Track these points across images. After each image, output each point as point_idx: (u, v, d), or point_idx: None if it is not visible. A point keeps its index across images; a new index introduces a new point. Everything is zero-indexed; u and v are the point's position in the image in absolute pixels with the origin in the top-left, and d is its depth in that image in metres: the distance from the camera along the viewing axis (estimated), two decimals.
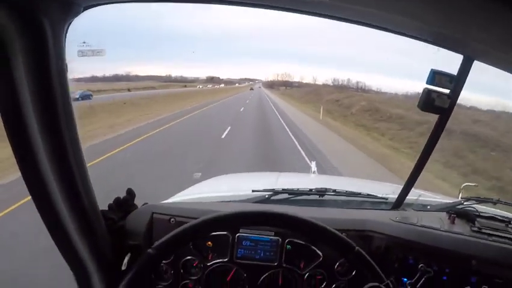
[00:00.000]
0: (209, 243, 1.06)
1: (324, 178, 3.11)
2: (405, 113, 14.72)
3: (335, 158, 8.03)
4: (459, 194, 1.42)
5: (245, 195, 1.39)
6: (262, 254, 1.06)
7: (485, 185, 6.53)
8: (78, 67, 0.71)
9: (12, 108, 0.61)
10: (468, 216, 1.16)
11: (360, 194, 1.39)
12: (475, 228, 1.07)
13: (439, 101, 1.02)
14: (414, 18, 0.76)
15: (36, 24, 0.58)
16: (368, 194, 1.39)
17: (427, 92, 1.02)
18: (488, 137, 9.69)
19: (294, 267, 1.06)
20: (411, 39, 0.92)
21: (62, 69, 0.65)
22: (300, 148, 9.17)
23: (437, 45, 0.91)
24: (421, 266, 0.97)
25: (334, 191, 1.38)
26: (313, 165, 2.71)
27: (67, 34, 0.67)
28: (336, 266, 1.05)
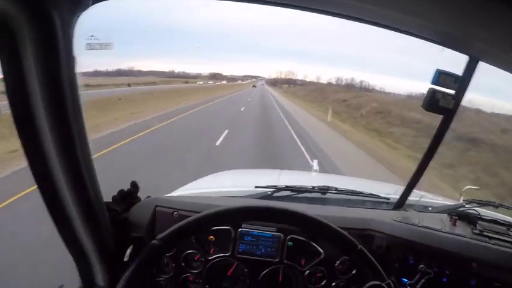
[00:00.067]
0: (211, 237, 1.08)
1: (325, 176, 3.14)
2: (421, 117, 12.77)
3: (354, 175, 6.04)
4: (460, 196, 1.44)
5: (248, 191, 1.43)
6: (263, 250, 1.08)
7: None
8: (83, 61, 0.72)
9: (21, 99, 0.63)
10: (469, 219, 1.18)
11: (362, 193, 1.41)
12: (476, 231, 1.08)
13: (444, 101, 1.04)
14: (419, 17, 0.78)
15: (45, 16, 0.59)
16: (370, 194, 1.41)
17: (432, 92, 1.03)
18: None
19: (295, 264, 1.08)
20: (416, 39, 0.94)
21: (71, 62, 0.67)
22: (310, 161, 6.73)
23: (442, 45, 0.93)
24: (421, 267, 0.98)
25: (336, 189, 1.41)
26: (315, 163, 2.73)
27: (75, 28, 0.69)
28: (336, 264, 1.07)
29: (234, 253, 1.08)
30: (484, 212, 1.30)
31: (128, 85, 34.16)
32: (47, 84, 0.63)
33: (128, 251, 0.96)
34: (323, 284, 1.08)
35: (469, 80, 1.02)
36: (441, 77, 1.02)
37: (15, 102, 0.64)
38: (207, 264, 1.09)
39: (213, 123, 13.37)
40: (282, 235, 1.08)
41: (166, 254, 1.08)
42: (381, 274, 0.82)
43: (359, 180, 2.75)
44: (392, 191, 1.51)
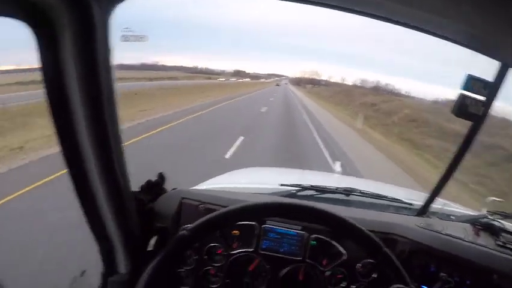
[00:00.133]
0: (235, 231, 1.11)
1: (349, 179, 3.14)
2: (460, 129, 11.14)
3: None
4: (483, 207, 1.42)
5: (273, 188, 1.47)
6: (287, 248, 1.10)
7: None
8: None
9: (57, 87, 0.66)
10: (493, 230, 1.16)
11: (386, 197, 1.42)
12: (500, 243, 1.07)
13: (473, 107, 1.04)
14: (449, 18, 0.78)
15: (84, 5, 0.60)
16: (394, 198, 1.42)
17: (462, 98, 1.03)
18: None
19: (316, 264, 1.09)
20: (445, 44, 0.95)
21: (108, 53, 0.68)
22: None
23: (472, 49, 0.93)
24: (442, 275, 0.99)
25: (360, 191, 1.43)
26: (337, 165, 2.74)
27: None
28: (358, 267, 1.08)
29: (257, 249, 1.10)
30: (508, 224, 1.27)
31: (150, 80, 35.08)
32: (84, 74, 0.65)
33: (153, 241, 0.99)
34: (342, 285, 1.09)
35: (499, 87, 1.01)
36: (472, 82, 1.02)
37: (52, 90, 0.66)
38: (229, 259, 1.10)
39: (228, 125, 11.83)
40: (306, 234, 1.10)
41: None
42: (405, 278, 0.83)
43: (380, 184, 2.74)
44: (414, 197, 1.51)
